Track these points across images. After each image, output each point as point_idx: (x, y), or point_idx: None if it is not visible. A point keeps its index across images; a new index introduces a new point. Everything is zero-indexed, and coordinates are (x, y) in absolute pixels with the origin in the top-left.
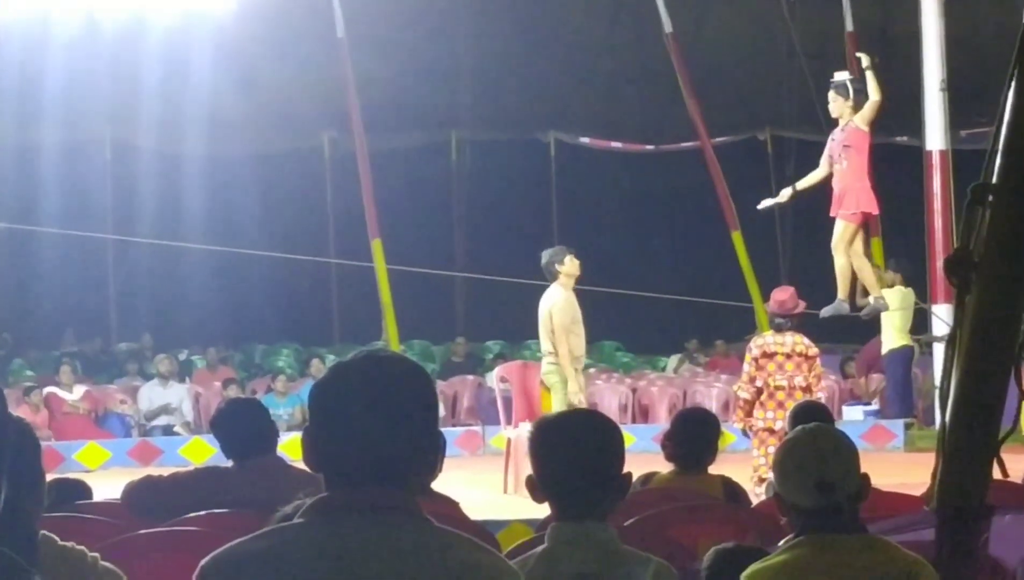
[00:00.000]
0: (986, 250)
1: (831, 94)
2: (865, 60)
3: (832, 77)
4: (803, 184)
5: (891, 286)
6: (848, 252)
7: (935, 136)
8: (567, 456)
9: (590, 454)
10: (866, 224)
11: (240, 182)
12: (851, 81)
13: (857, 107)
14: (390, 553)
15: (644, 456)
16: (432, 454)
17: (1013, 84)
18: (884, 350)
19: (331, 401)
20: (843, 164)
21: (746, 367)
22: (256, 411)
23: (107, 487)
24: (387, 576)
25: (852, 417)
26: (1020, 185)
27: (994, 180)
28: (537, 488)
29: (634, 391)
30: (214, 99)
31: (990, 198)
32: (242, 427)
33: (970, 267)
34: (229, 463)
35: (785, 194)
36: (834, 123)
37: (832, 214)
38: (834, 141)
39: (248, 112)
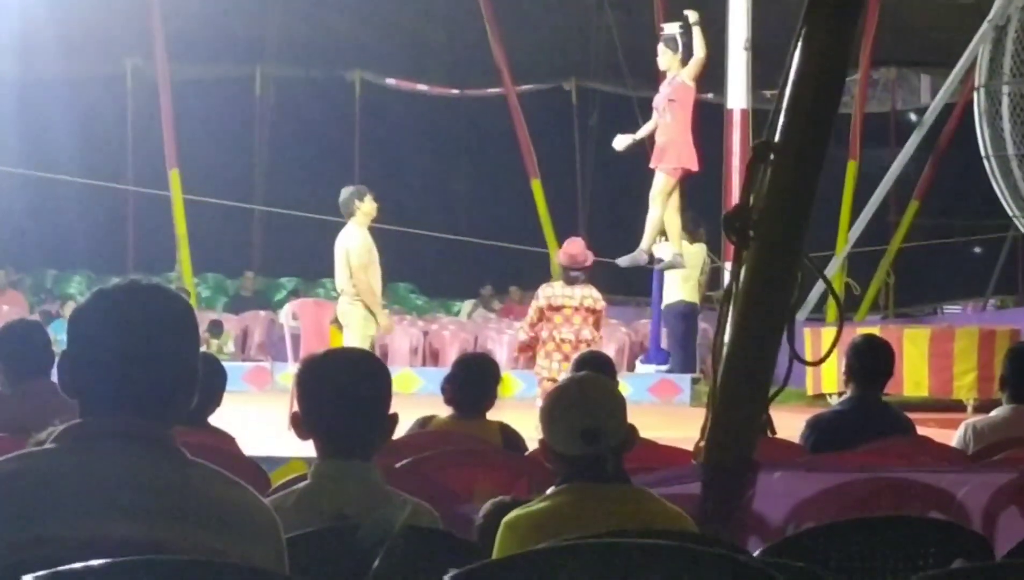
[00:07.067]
0: (765, 208)
1: (660, 47)
2: (692, 16)
3: (661, 29)
4: (641, 133)
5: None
6: (663, 204)
7: (737, 94)
8: (331, 393)
9: (354, 392)
10: (683, 179)
11: (46, 105)
12: (681, 34)
13: (684, 61)
14: (137, 483)
15: (433, 398)
16: (189, 386)
17: (799, 45)
18: (664, 304)
19: (88, 327)
20: (667, 117)
21: (530, 312)
22: (36, 334)
23: None
24: (133, 505)
25: (645, 372)
26: (801, 144)
27: (776, 138)
28: (301, 425)
29: (425, 334)
30: (24, 22)
31: (772, 156)
32: (21, 349)
33: (748, 224)
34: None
35: (627, 140)
36: (641, 73)
37: (652, 166)
38: (660, 94)
39: (57, 36)
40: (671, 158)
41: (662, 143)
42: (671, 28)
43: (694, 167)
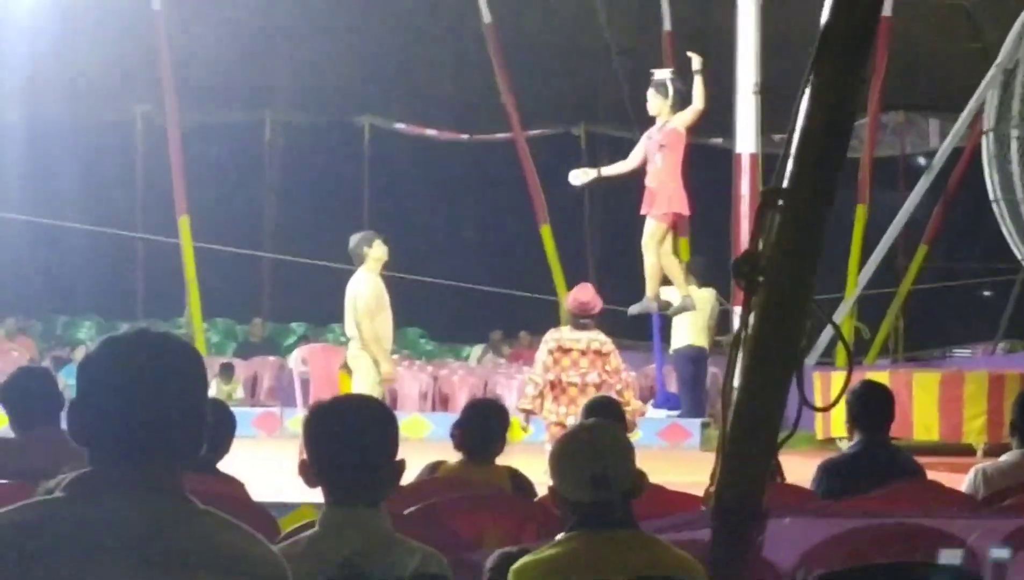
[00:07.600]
0: (774, 253)
1: (650, 92)
2: (696, 63)
3: (652, 74)
4: (608, 171)
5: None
6: (658, 251)
7: (746, 139)
8: (339, 441)
9: (362, 439)
10: (675, 224)
11: (54, 151)
12: (671, 80)
13: (675, 107)
14: (147, 532)
15: (443, 444)
16: (198, 433)
17: (808, 89)
18: (672, 348)
19: (97, 374)
20: (657, 163)
21: (544, 358)
22: (44, 381)
23: None
24: (142, 555)
25: (655, 417)
26: (809, 190)
27: (785, 184)
28: (310, 472)
29: (435, 379)
30: (32, 67)
31: (780, 202)
32: (30, 396)
33: (758, 269)
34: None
35: (590, 174)
36: (649, 120)
37: (643, 212)
38: (651, 139)
39: (66, 82)
40: (661, 203)
41: (652, 189)
42: (661, 74)
43: (685, 211)
